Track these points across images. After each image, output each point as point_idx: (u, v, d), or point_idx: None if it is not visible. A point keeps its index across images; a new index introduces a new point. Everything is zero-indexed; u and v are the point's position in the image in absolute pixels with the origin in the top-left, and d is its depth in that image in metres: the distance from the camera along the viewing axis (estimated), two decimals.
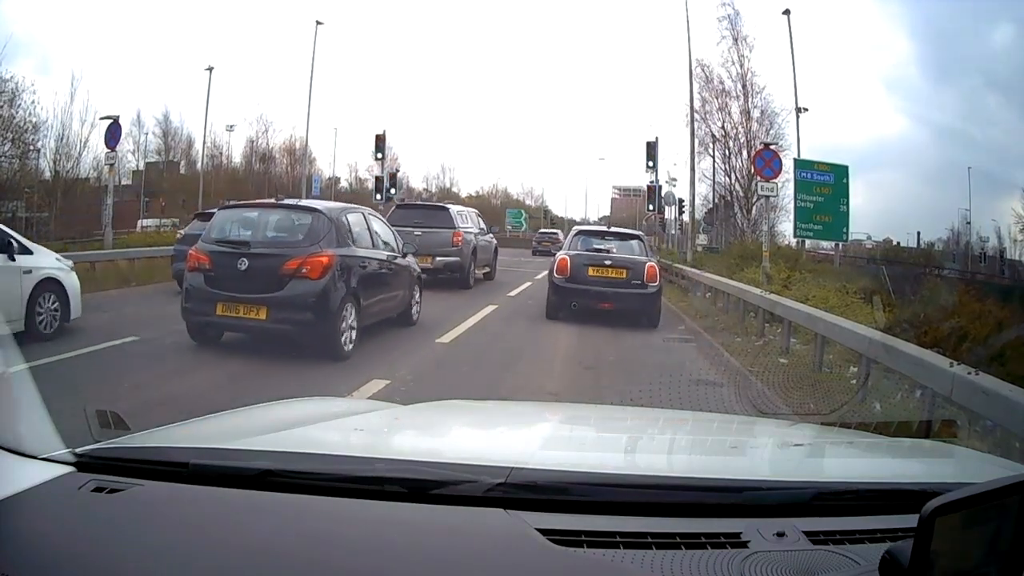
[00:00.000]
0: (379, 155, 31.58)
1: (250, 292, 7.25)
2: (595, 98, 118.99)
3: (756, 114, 31.68)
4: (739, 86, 31.87)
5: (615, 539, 1.19)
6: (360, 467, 1.37)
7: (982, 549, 0.92)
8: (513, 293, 15.31)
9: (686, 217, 45.19)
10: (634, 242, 12.46)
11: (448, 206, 16.76)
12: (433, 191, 64.79)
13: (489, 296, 14.19)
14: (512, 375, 7.53)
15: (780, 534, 1.22)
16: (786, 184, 24.65)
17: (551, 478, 1.35)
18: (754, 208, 30.55)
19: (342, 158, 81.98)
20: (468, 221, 16.42)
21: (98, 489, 1.29)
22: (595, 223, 44.28)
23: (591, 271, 11.40)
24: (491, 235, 18.65)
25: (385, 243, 9.17)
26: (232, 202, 10.99)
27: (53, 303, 8.38)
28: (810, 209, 23.49)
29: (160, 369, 6.94)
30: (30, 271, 8.15)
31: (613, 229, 13.46)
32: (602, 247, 12.06)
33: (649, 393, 5.32)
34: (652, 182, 30.00)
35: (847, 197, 23.91)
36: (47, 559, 1.13)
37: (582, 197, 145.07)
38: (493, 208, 56.43)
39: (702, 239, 42.53)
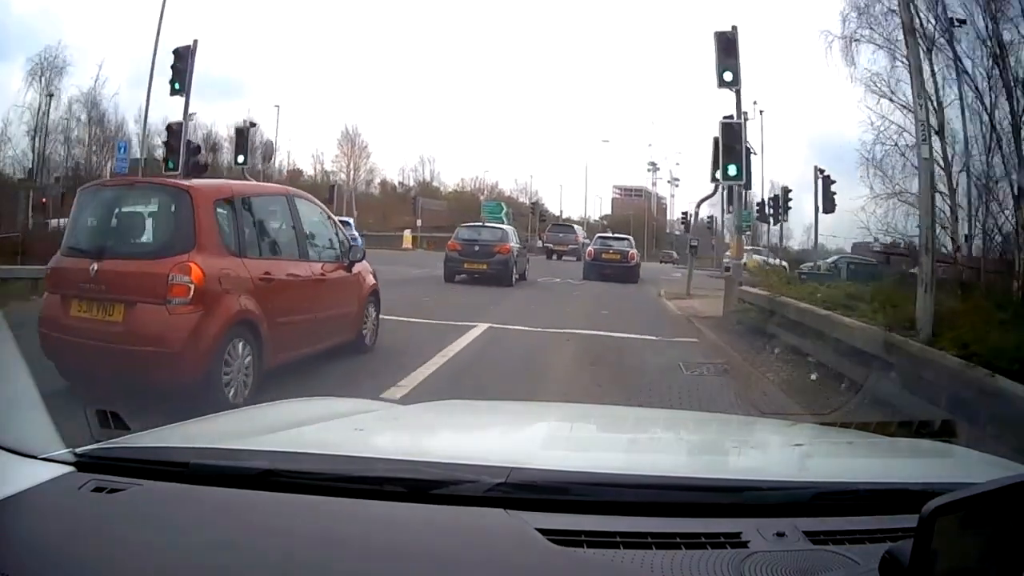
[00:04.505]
0: (176, 85, 16.36)
1: (480, 258, 18.04)
2: (593, 92, 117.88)
3: None
4: None
5: (615, 539, 1.19)
6: (360, 467, 1.37)
7: (982, 549, 0.92)
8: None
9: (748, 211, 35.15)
10: (624, 241, 25.14)
11: (573, 225, 38.74)
12: (410, 184, 61.69)
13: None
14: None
15: (780, 534, 1.22)
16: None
17: (551, 478, 1.36)
18: None
19: (308, 148, 74.76)
20: (580, 231, 35.65)
21: (98, 489, 1.29)
22: (597, 221, 63.90)
23: (604, 255, 23.56)
24: (586, 238, 35.35)
25: (518, 242, 20.94)
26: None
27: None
28: None
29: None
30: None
31: (615, 235, 28.32)
32: (609, 243, 24.91)
33: None
34: (729, 117, 13.39)
35: None
36: (47, 559, 1.13)
37: (581, 196, 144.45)
38: (480, 205, 52.24)
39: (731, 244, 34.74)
